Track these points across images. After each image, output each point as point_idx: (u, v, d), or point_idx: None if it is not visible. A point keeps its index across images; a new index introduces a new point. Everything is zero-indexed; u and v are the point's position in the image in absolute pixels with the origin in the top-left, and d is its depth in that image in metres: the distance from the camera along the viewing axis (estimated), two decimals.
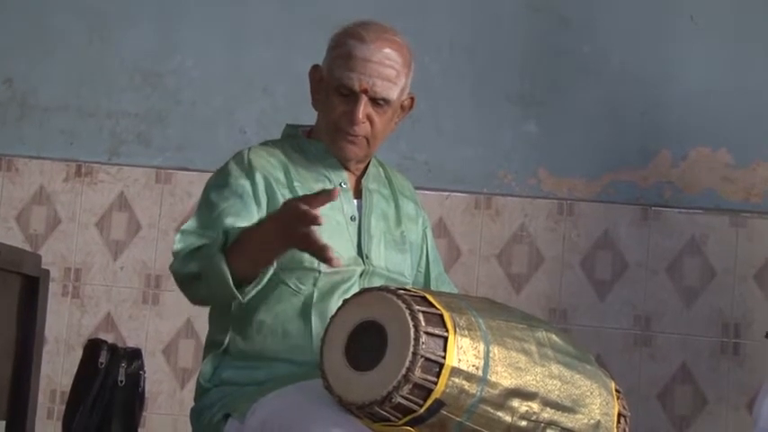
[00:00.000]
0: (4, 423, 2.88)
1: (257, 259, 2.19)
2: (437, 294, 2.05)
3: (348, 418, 2.00)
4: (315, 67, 2.48)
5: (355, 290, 2.31)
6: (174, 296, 3.69)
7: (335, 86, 2.40)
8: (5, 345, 2.88)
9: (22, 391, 2.92)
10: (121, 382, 2.89)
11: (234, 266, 2.16)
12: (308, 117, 2.54)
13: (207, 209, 2.36)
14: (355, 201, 2.47)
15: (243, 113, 3.98)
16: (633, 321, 3.84)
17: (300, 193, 2.39)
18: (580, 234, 3.89)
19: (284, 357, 2.32)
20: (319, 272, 2.35)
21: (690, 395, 3.80)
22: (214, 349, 2.40)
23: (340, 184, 2.45)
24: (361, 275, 2.40)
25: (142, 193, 3.95)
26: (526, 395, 2.00)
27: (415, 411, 1.93)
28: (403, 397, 1.91)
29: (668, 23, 3.96)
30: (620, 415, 2.18)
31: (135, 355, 2.95)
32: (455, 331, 1.95)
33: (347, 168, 2.48)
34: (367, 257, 2.42)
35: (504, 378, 1.98)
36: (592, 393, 2.11)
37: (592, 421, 2.09)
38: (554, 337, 2.12)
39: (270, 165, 2.41)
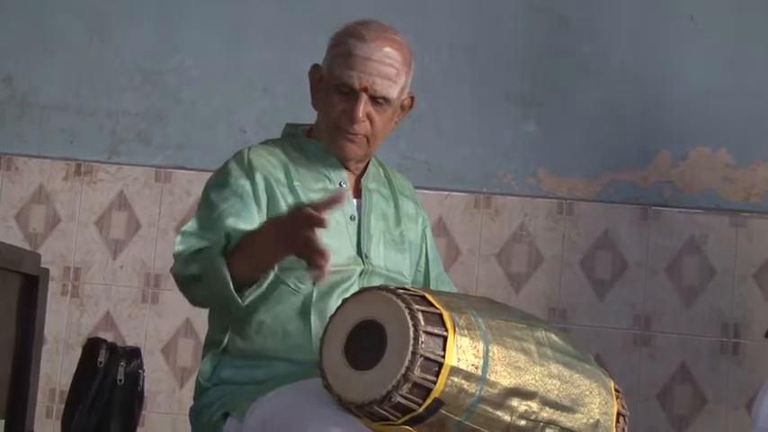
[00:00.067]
0: (3, 422, 2.88)
1: (258, 263, 2.19)
2: (436, 294, 2.05)
3: (347, 418, 2.00)
4: (315, 67, 2.48)
5: (355, 289, 2.31)
6: (173, 295, 3.69)
7: (335, 85, 2.40)
8: (5, 344, 2.88)
9: (22, 389, 2.92)
10: (120, 380, 2.90)
11: (234, 270, 2.17)
12: (308, 117, 2.54)
13: (207, 209, 2.36)
14: (355, 200, 2.48)
15: (243, 113, 3.98)
16: (633, 321, 3.84)
17: (300, 192, 2.39)
18: (580, 234, 3.89)
19: (283, 356, 2.32)
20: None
21: (689, 395, 3.80)
22: (213, 348, 2.40)
23: (340, 184, 2.45)
24: (360, 275, 2.40)
25: (142, 192, 3.95)
26: (525, 394, 2.00)
27: (414, 410, 1.93)
28: (402, 396, 1.91)
29: (668, 23, 3.96)
30: (619, 414, 2.18)
31: (134, 353, 2.96)
32: (454, 331, 1.95)
33: (347, 168, 2.48)
34: (366, 257, 2.42)
35: (503, 377, 1.98)
36: (591, 393, 2.11)
37: (591, 421, 2.09)
38: (553, 336, 2.12)
39: (270, 164, 2.41)
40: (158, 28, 4.03)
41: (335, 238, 2.38)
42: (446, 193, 3.92)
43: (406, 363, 1.91)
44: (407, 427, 1.95)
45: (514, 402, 1.99)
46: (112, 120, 4.00)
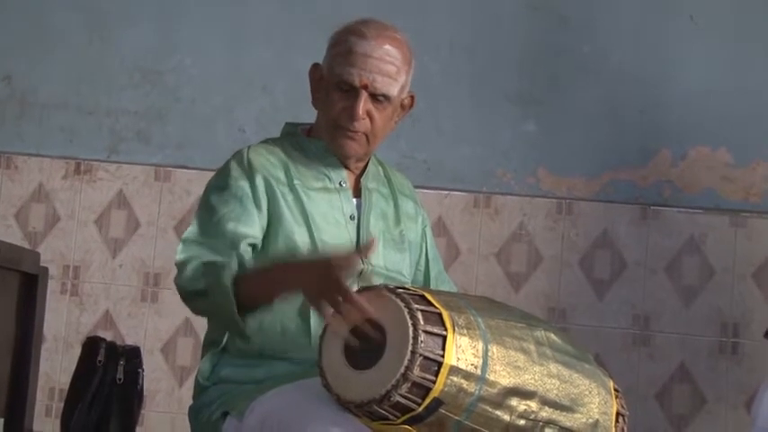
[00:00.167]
0: (2, 420, 2.88)
1: (267, 299, 2.21)
2: (436, 293, 2.05)
3: (346, 417, 2.00)
4: (315, 66, 2.48)
5: (354, 289, 2.30)
6: (172, 294, 3.66)
7: (336, 82, 2.39)
8: (4, 342, 2.88)
9: (21, 388, 2.93)
10: (120, 379, 2.90)
11: (241, 298, 2.18)
12: (308, 116, 2.54)
13: (207, 213, 2.36)
14: (354, 200, 2.47)
15: (242, 112, 3.98)
16: (632, 321, 3.84)
17: (300, 191, 2.39)
18: (579, 233, 3.89)
19: (283, 356, 2.31)
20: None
21: (688, 394, 3.80)
22: (213, 347, 2.40)
23: (340, 183, 2.45)
24: (359, 274, 2.40)
25: (141, 190, 3.95)
26: (525, 394, 2.00)
27: (413, 410, 1.93)
28: (401, 396, 1.91)
29: (668, 23, 3.96)
30: (618, 414, 2.18)
31: (133, 352, 2.96)
32: (454, 330, 1.95)
33: (347, 167, 2.48)
34: (366, 256, 2.42)
35: (502, 377, 1.98)
36: (590, 392, 2.11)
37: (590, 420, 2.09)
38: (553, 336, 2.12)
39: (269, 163, 2.41)
40: (158, 27, 4.03)
41: (335, 237, 2.38)
42: (446, 192, 3.92)
43: (406, 362, 1.91)
44: (407, 426, 1.95)
45: (514, 402, 1.99)
46: (112, 118, 4.00)
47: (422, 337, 1.92)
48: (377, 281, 2.37)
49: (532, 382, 2.02)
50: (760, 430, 2.87)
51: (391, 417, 1.94)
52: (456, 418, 1.95)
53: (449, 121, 3.96)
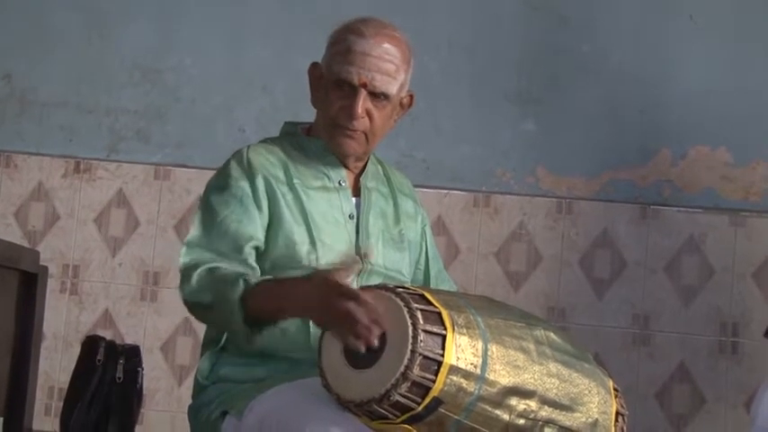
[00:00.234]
0: (1, 419, 2.89)
1: (273, 322, 2.19)
2: (435, 292, 2.05)
3: (346, 416, 2.00)
4: (314, 65, 2.48)
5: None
6: (172, 293, 3.68)
7: (334, 81, 2.39)
8: (4, 341, 2.88)
9: (20, 387, 2.93)
10: (119, 378, 2.90)
11: (248, 313, 2.16)
12: (308, 115, 2.54)
13: (209, 214, 2.35)
14: (354, 199, 2.47)
15: (242, 111, 3.98)
16: (631, 320, 3.84)
17: (300, 190, 2.39)
18: (579, 232, 3.89)
19: (282, 355, 2.31)
20: (317, 270, 2.34)
21: (688, 394, 3.80)
22: (212, 346, 2.40)
23: (339, 182, 2.45)
24: (359, 274, 2.39)
25: (141, 189, 3.95)
26: (524, 393, 2.00)
27: (413, 409, 1.93)
28: (401, 395, 1.91)
29: (668, 23, 3.96)
30: (617, 413, 2.18)
31: (133, 351, 2.96)
32: (453, 329, 1.95)
33: (346, 166, 2.48)
34: (365, 255, 2.42)
35: (502, 376, 1.98)
36: (590, 392, 2.11)
37: (590, 420, 2.09)
38: (552, 335, 2.12)
39: (269, 163, 2.41)
40: (158, 26, 4.03)
41: (334, 236, 2.38)
42: (445, 191, 3.92)
43: (405, 361, 1.91)
44: (406, 425, 1.95)
45: (513, 401, 1.99)
46: (112, 117, 4.00)
47: (421, 336, 1.92)
48: (376, 280, 2.37)
49: (532, 381, 2.02)
50: (759, 430, 2.86)
51: (391, 416, 1.94)
52: (455, 417, 1.95)
53: (448, 120, 3.96)
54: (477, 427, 1.97)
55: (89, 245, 3.94)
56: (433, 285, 2.60)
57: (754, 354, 3.78)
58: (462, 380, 1.94)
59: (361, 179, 2.50)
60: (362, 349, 1.94)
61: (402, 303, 1.95)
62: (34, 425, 3.07)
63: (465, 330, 1.96)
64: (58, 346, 3.88)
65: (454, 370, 1.93)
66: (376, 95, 2.39)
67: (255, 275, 2.25)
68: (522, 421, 2.00)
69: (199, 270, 2.25)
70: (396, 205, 2.55)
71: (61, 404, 2.95)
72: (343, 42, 2.39)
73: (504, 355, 1.99)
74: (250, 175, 2.37)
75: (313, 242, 2.36)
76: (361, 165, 2.51)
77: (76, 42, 4.03)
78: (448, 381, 1.93)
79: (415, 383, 1.91)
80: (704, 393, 3.80)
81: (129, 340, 3.69)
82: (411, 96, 2.50)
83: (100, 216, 3.95)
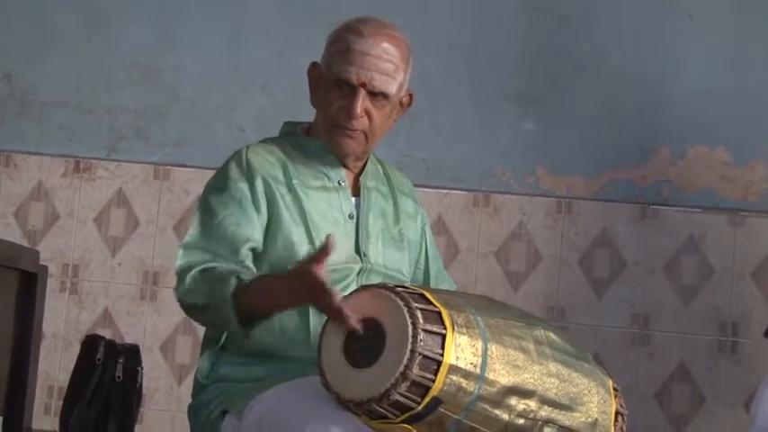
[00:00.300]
0: (1, 419, 2.88)
1: (267, 315, 2.21)
2: (435, 292, 2.05)
3: (346, 416, 2.00)
4: (313, 65, 2.48)
5: (353, 287, 2.30)
6: (171, 293, 3.67)
7: (334, 81, 2.39)
8: (3, 340, 2.88)
9: (20, 386, 2.92)
10: (119, 378, 2.90)
11: (241, 310, 2.17)
12: (307, 115, 2.54)
13: (207, 215, 2.35)
14: (353, 198, 2.47)
15: (241, 111, 3.98)
16: (631, 320, 3.84)
17: (299, 190, 2.39)
18: (578, 232, 3.89)
19: (282, 354, 2.31)
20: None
21: (687, 394, 3.80)
22: (212, 345, 2.40)
23: (339, 182, 2.45)
24: (358, 273, 2.40)
25: (140, 189, 3.95)
26: (524, 393, 2.00)
27: (412, 409, 1.93)
28: (401, 394, 1.91)
29: (667, 22, 3.96)
30: (617, 413, 2.18)
31: (132, 351, 2.96)
32: (453, 329, 1.95)
33: (345, 165, 2.48)
34: (365, 255, 2.42)
35: (501, 376, 1.98)
36: (589, 392, 2.11)
37: (589, 419, 2.10)
38: (552, 335, 2.12)
39: (268, 163, 2.41)
40: (157, 26, 4.03)
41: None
42: (445, 191, 3.92)
43: (405, 361, 1.91)
44: (406, 425, 1.95)
45: (513, 401, 1.99)
46: (111, 117, 4.00)
47: (421, 335, 1.92)
48: (376, 279, 2.38)
49: (531, 381, 2.02)
50: (759, 429, 2.86)
51: (390, 415, 1.94)
52: (455, 416, 1.95)
53: (448, 119, 3.96)
54: (477, 426, 1.97)
55: (89, 244, 3.94)
56: (432, 285, 2.60)
57: (753, 353, 3.78)
58: (462, 379, 1.94)
59: (360, 179, 2.50)
60: (359, 329, 1.96)
61: (402, 303, 1.95)
62: (34, 424, 3.07)
63: (465, 330, 1.96)
64: (57, 345, 3.88)
65: (454, 369, 1.93)
66: (375, 95, 2.39)
67: (249, 274, 2.26)
68: (521, 421, 2.00)
69: (192, 272, 2.26)
70: (395, 205, 2.55)
71: (61, 403, 2.95)
72: (343, 42, 2.39)
73: (504, 355, 1.99)
74: (249, 177, 2.37)
75: (312, 242, 2.36)
76: (360, 164, 2.51)
77: (76, 42, 4.03)
78: (447, 380, 1.93)
79: (414, 383, 1.91)
80: (704, 393, 3.80)
81: (128, 339, 3.69)
82: (410, 96, 2.50)
83: (100, 216, 3.95)
